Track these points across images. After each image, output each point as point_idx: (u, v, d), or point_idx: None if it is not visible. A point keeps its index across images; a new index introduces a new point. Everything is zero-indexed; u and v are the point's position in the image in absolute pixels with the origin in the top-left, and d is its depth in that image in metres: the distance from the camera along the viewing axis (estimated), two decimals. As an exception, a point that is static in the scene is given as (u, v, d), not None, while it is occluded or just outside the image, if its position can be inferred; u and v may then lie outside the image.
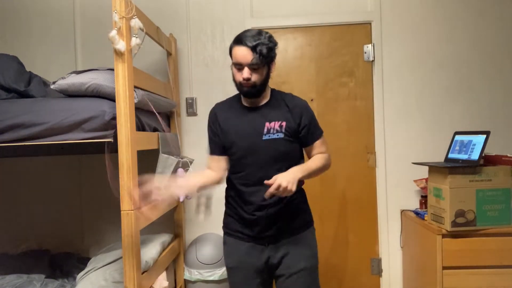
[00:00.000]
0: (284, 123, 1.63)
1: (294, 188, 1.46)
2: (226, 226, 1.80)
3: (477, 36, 2.70)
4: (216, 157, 1.73)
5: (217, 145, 1.72)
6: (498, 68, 2.70)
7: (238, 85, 1.61)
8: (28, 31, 2.87)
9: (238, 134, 1.66)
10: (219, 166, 1.72)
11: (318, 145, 1.70)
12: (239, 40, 1.55)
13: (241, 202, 1.69)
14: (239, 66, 1.57)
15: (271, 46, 1.57)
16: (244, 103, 1.70)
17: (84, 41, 2.85)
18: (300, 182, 1.70)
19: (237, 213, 1.71)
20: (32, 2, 2.87)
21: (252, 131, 1.64)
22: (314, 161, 1.67)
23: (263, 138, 1.62)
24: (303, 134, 1.67)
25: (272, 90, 1.72)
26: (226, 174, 1.74)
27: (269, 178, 1.50)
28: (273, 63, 1.63)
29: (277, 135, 1.62)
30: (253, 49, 1.52)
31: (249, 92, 1.61)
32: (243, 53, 1.53)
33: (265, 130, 1.62)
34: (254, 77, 1.56)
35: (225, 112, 1.72)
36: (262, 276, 1.72)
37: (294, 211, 1.70)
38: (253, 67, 1.55)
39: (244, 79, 1.56)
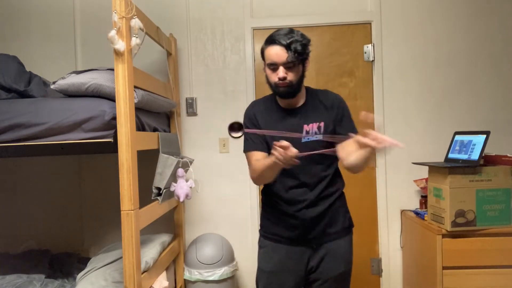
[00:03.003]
0: (322, 124, 1.60)
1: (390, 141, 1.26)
2: (264, 229, 1.75)
3: (477, 36, 2.70)
4: (261, 153, 1.63)
5: (262, 141, 1.64)
6: (498, 68, 2.70)
7: (274, 86, 1.57)
8: (28, 31, 2.87)
9: (277, 139, 1.57)
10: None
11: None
12: (271, 39, 1.52)
13: (281, 204, 1.64)
14: (273, 66, 1.53)
15: (305, 42, 1.53)
16: (281, 104, 1.65)
17: (84, 41, 2.85)
18: (341, 184, 1.72)
19: (277, 215, 1.67)
20: (32, 2, 2.87)
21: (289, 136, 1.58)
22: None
23: (302, 141, 1.58)
24: (338, 130, 1.61)
25: (307, 89, 1.68)
26: None
27: (310, 180, 1.59)
28: (308, 61, 1.59)
29: (316, 137, 1.59)
30: (288, 47, 1.49)
31: (286, 92, 1.57)
32: (277, 52, 1.50)
33: (304, 132, 1.59)
34: (290, 76, 1.53)
35: (264, 114, 1.67)
36: (298, 281, 1.67)
37: (335, 215, 1.66)
38: (288, 66, 1.51)
39: (279, 79, 1.53)
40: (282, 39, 1.49)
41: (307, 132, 1.59)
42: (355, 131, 1.59)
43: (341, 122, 1.62)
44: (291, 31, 1.53)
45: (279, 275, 1.67)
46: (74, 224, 2.84)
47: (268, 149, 1.62)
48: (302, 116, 1.62)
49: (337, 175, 1.71)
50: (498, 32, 2.70)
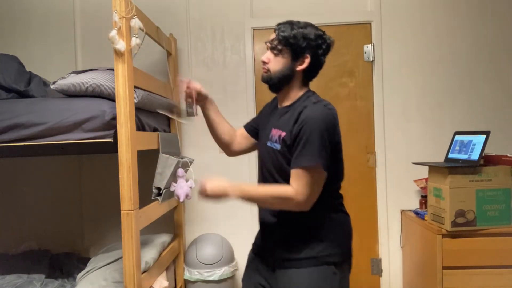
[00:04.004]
0: (283, 134, 1.39)
1: (205, 196, 1.35)
2: None
3: (477, 36, 2.70)
4: (242, 129, 1.67)
5: (253, 124, 1.65)
6: (498, 68, 2.70)
7: None
8: (28, 31, 2.87)
9: (260, 133, 1.58)
10: (240, 136, 1.66)
11: (292, 175, 1.33)
12: None
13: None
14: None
15: (297, 34, 1.38)
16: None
17: (84, 41, 2.85)
18: (322, 212, 1.40)
19: None
20: (32, 2, 2.87)
21: (265, 134, 1.51)
22: (261, 189, 1.35)
23: (267, 144, 1.47)
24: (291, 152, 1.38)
25: (304, 94, 1.46)
26: (235, 149, 1.66)
27: (269, 182, 1.45)
28: (304, 60, 1.41)
29: (275, 146, 1.43)
30: (276, 29, 1.43)
31: (263, 79, 1.47)
32: (270, 37, 1.45)
33: (270, 135, 1.46)
34: (271, 64, 1.44)
35: (268, 107, 1.62)
36: None
37: (298, 235, 1.39)
38: (274, 52, 1.42)
39: (261, 61, 1.46)
40: (279, 24, 1.44)
41: (271, 137, 1.45)
42: (298, 162, 1.32)
43: (295, 148, 1.35)
44: (298, 22, 1.43)
45: (250, 282, 1.54)
46: (74, 224, 2.84)
47: (254, 133, 1.64)
48: (278, 117, 1.48)
49: (320, 199, 1.38)
50: (498, 32, 2.70)
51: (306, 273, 1.35)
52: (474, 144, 2.20)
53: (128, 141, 1.73)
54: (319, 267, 1.35)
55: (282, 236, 1.41)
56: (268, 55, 1.45)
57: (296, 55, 1.41)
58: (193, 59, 2.81)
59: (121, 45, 1.69)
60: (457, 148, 2.32)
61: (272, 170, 1.45)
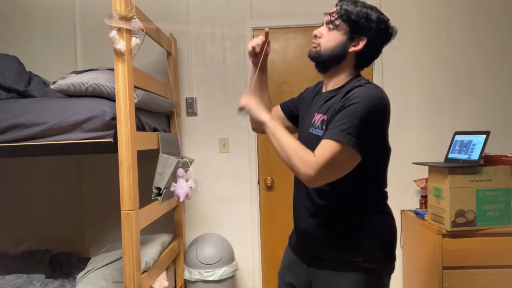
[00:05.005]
0: (325, 117, 1.28)
1: (241, 111, 1.33)
2: None
3: (477, 36, 2.70)
4: (278, 109, 1.60)
5: (290, 105, 1.58)
6: (498, 68, 2.70)
7: None
8: (28, 31, 2.87)
9: (300, 120, 1.50)
10: (274, 114, 1.58)
11: (321, 144, 1.21)
12: None
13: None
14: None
15: (360, 12, 1.28)
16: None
17: (84, 41, 2.85)
18: (369, 212, 1.34)
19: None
20: (33, 2, 2.87)
21: (306, 121, 1.40)
22: (289, 138, 1.24)
23: (309, 130, 1.36)
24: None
25: (354, 78, 1.35)
26: None
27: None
28: (359, 41, 1.30)
29: (317, 132, 1.31)
30: (338, 4, 1.32)
31: (311, 54, 1.36)
32: (330, 10, 1.33)
33: (313, 121, 1.35)
34: (323, 39, 1.32)
35: (311, 91, 1.52)
36: None
37: (334, 237, 1.31)
38: (329, 26, 1.31)
39: (313, 35, 1.35)
40: None
41: (314, 123, 1.34)
42: (330, 134, 1.20)
43: (332, 122, 1.23)
44: (364, 2, 1.32)
45: (281, 281, 1.52)
46: (74, 224, 2.84)
47: (290, 115, 1.57)
48: (321, 103, 1.35)
49: (361, 199, 1.32)
50: (498, 32, 2.69)
51: (338, 277, 1.29)
52: (474, 144, 2.20)
53: (128, 141, 1.73)
54: (354, 273, 1.28)
55: (318, 237, 1.34)
56: (321, 29, 1.35)
57: (352, 34, 1.30)
58: (193, 59, 2.81)
59: (121, 45, 1.69)
60: (457, 148, 2.32)
61: None
